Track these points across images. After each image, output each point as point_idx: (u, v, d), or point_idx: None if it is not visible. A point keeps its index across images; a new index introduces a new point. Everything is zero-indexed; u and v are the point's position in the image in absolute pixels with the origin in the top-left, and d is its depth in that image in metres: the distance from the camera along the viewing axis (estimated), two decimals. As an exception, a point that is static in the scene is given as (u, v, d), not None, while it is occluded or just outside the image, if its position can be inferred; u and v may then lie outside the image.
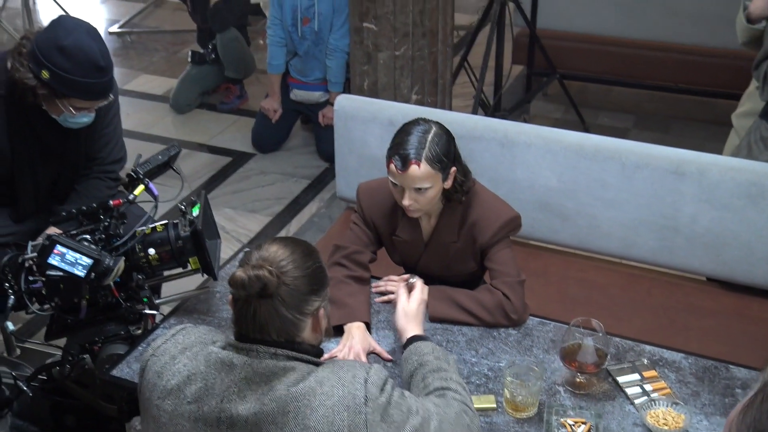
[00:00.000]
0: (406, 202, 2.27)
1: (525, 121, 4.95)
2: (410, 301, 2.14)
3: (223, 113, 5.37)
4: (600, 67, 5.23)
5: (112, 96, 2.64)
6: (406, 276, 2.38)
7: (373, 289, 2.49)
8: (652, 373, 2.17)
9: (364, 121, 3.20)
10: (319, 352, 1.75)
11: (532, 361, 2.09)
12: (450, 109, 4.25)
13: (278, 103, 4.83)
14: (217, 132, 5.17)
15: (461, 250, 2.43)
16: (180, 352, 1.71)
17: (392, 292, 2.43)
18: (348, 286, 2.39)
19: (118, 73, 5.66)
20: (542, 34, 4.99)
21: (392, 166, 2.24)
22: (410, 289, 2.18)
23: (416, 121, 2.29)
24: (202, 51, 5.34)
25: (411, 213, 2.33)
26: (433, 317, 2.35)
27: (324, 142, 4.68)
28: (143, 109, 5.40)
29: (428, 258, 2.48)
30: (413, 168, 2.21)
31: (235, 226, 4.19)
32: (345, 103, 3.28)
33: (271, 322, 1.64)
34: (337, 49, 4.55)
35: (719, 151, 3.29)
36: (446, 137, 2.28)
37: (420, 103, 3.95)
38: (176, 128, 5.22)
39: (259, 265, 1.62)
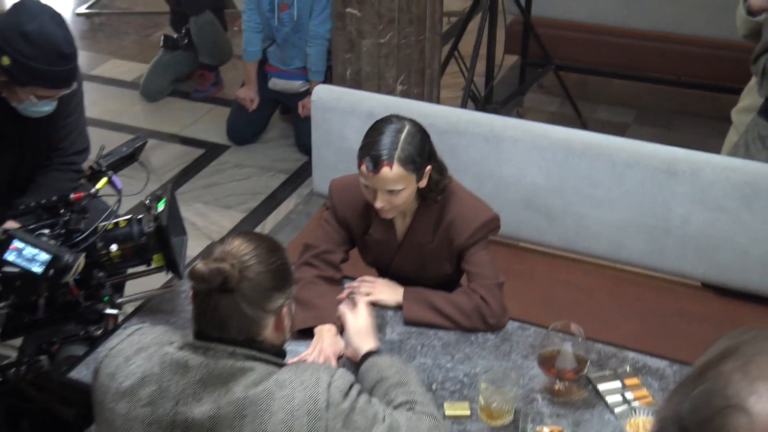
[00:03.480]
0: (378, 204, 2.32)
1: (518, 114, 5.01)
2: (357, 318, 2.21)
3: (197, 102, 5.43)
4: (599, 59, 5.28)
5: (75, 84, 2.69)
6: (345, 293, 2.45)
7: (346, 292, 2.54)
8: (635, 380, 2.24)
9: (343, 112, 3.27)
10: (281, 353, 1.79)
11: (510, 367, 2.16)
12: (438, 100, 4.31)
13: (255, 92, 4.88)
14: (190, 122, 5.22)
15: (436, 251, 2.48)
16: (135, 353, 1.75)
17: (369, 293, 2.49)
18: (318, 286, 2.45)
19: (85, 57, 5.73)
20: (537, 22, 5.02)
21: (363, 167, 2.28)
22: (354, 304, 2.25)
23: (389, 119, 2.33)
24: (175, 35, 5.39)
25: (384, 214, 2.39)
26: (408, 320, 2.42)
27: (303, 134, 4.72)
28: (111, 96, 5.45)
29: (402, 259, 2.53)
30: (385, 170, 2.25)
31: (207, 222, 4.24)
32: (323, 93, 3.35)
33: (232, 319, 1.68)
34: (317, 35, 4.60)
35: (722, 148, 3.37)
36: (420, 136, 2.32)
37: (406, 93, 4.00)
38: (146, 117, 5.27)
39: (221, 258, 1.68)
